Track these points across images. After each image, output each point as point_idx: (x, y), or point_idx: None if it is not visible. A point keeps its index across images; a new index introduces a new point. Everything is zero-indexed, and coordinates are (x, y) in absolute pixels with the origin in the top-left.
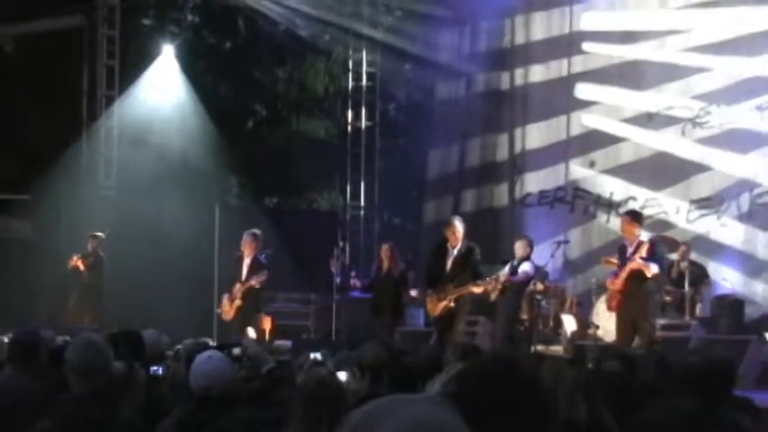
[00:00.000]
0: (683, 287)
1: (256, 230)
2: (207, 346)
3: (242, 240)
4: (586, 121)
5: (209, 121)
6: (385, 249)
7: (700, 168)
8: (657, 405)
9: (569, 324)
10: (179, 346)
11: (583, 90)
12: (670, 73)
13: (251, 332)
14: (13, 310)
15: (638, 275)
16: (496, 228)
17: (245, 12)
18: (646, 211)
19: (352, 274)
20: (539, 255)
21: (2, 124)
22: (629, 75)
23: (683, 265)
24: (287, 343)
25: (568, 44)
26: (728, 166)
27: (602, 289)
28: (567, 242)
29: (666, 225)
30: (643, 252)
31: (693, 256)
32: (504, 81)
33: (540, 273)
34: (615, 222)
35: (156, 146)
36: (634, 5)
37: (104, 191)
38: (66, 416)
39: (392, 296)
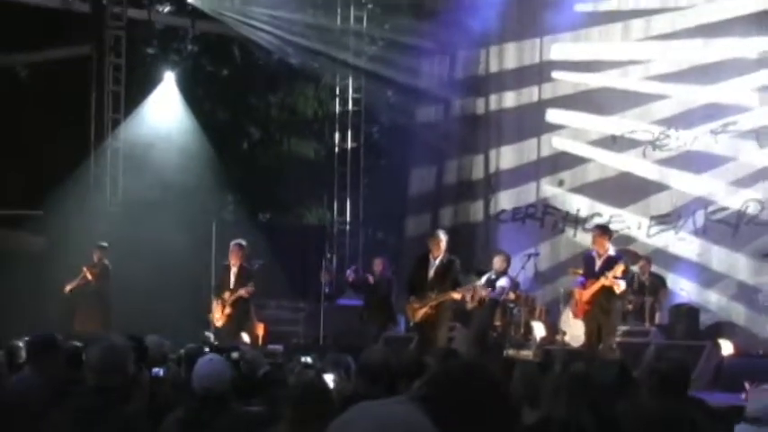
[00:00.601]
0: (644, 296)
1: (242, 241)
2: (206, 351)
3: (229, 250)
4: (555, 143)
5: (208, 142)
6: (377, 263)
7: (659, 187)
8: (622, 405)
9: (539, 330)
10: (181, 350)
11: (552, 115)
12: (632, 99)
13: (245, 337)
14: (28, 317)
15: (608, 290)
16: (472, 241)
17: (241, 42)
18: (610, 227)
19: (352, 268)
20: (511, 266)
21: (17, 145)
22: (595, 101)
23: (644, 276)
24: (279, 347)
25: (539, 72)
26: (685, 185)
27: (569, 297)
28: (537, 255)
29: (629, 239)
30: (618, 272)
31: (653, 267)
32: (480, 106)
33: (512, 283)
34: (582, 237)
35: (158, 165)
36: (599, 37)
37: (111, 207)
38: (79, 406)
39: (384, 305)
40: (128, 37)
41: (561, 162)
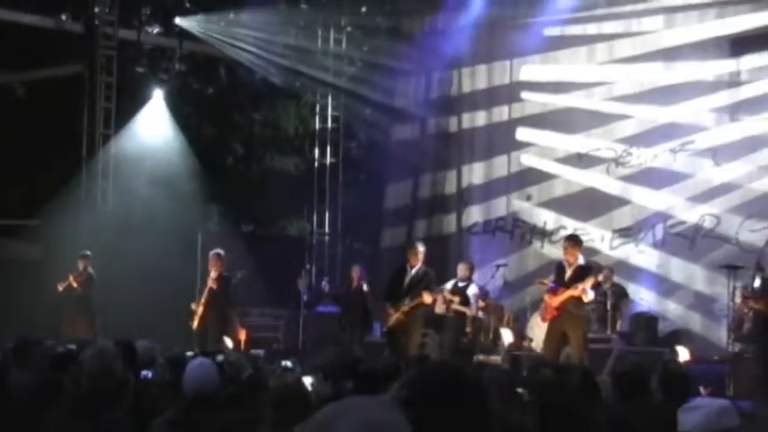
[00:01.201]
0: (606, 305)
1: (220, 251)
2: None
3: (209, 260)
4: (524, 160)
5: (194, 156)
6: (355, 270)
7: (621, 202)
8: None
9: (507, 337)
10: (167, 354)
11: (521, 133)
12: (596, 119)
13: (228, 342)
14: (23, 323)
15: (577, 299)
16: (445, 252)
17: (227, 62)
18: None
19: (325, 279)
20: (481, 276)
21: (14, 159)
22: (562, 120)
23: (606, 286)
24: (260, 352)
25: (509, 93)
26: (646, 200)
27: (536, 305)
28: (505, 265)
29: (592, 251)
30: (588, 285)
31: (615, 278)
32: (453, 124)
33: (482, 292)
34: (548, 249)
35: (146, 178)
36: (565, 60)
37: (101, 217)
38: (74, 409)
39: (361, 311)
40: (118, 56)
41: (530, 178)
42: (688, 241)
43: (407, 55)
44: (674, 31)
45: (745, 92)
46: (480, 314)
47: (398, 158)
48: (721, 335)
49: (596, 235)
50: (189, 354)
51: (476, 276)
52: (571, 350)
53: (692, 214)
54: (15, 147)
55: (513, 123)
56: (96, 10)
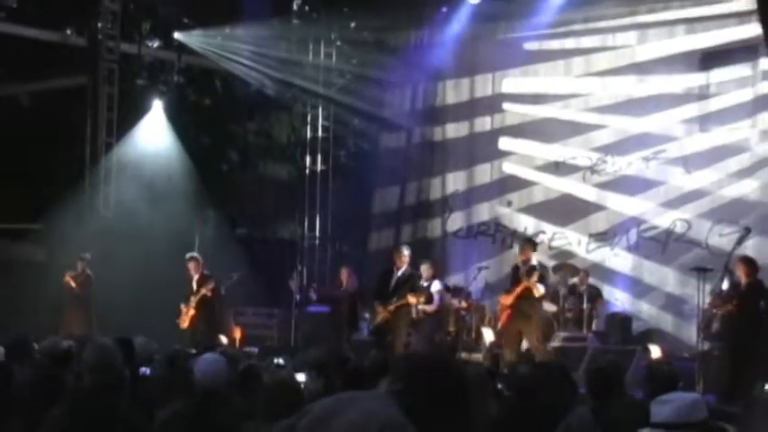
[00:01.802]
0: (582, 305)
1: (196, 254)
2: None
3: (186, 263)
4: (505, 168)
5: (191, 164)
6: (343, 272)
7: (597, 208)
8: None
9: (488, 336)
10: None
11: (502, 142)
12: (573, 129)
13: (224, 339)
14: (27, 322)
15: (527, 295)
16: (429, 256)
17: (222, 74)
18: (553, 243)
19: (313, 286)
20: (464, 278)
21: (20, 165)
22: (541, 130)
23: (582, 287)
24: (254, 349)
25: (490, 104)
26: (620, 206)
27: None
28: (487, 268)
29: (569, 254)
30: (534, 278)
31: (591, 280)
32: (438, 134)
33: (464, 292)
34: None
35: (146, 184)
36: (544, 73)
37: (103, 221)
38: (77, 404)
39: (349, 311)
40: (120, 69)
41: (510, 185)
42: (660, 245)
43: (394, 68)
44: (646, 46)
45: (714, 104)
46: (453, 303)
47: (385, 166)
48: (691, 334)
49: (573, 239)
50: (192, 351)
51: (460, 278)
52: (530, 348)
53: (664, 219)
54: (22, 154)
55: (494, 133)
56: (99, 25)
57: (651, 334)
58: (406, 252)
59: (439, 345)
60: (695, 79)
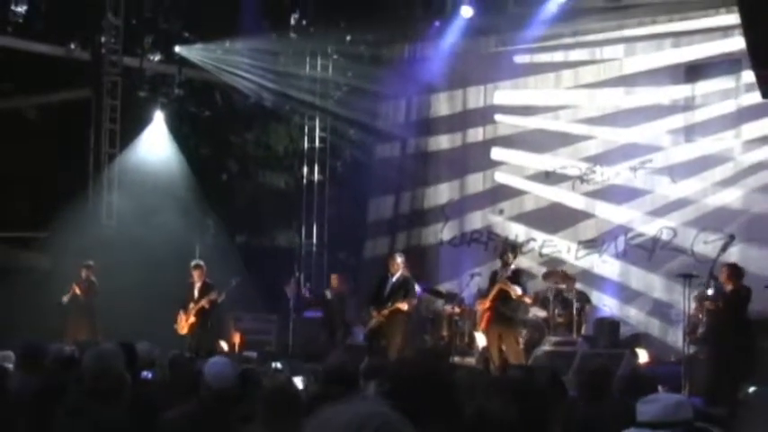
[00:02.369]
0: (572, 311)
1: (200, 261)
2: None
3: (191, 269)
4: (497, 177)
5: (192, 174)
6: (335, 277)
7: (586, 216)
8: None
9: (480, 340)
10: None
11: (494, 152)
12: (563, 140)
13: (224, 345)
14: (32, 328)
15: (504, 296)
16: (423, 263)
17: (222, 87)
18: (543, 250)
19: (306, 286)
20: (458, 284)
21: (26, 175)
22: (531, 141)
23: (571, 293)
24: (253, 354)
25: (482, 115)
26: (608, 214)
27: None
28: (479, 275)
29: (559, 261)
30: (506, 280)
31: (580, 286)
32: (431, 144)
33: (457, 298)
34: (519, 259)
35: (148, 194)
36: (534, 85)
37: (106, 229)
38: (73, 405)
39: (339, 316)
40: (123, 82)
41: (502, 194)
42: (647, 252)
43: (389, 80)
44: (633, 59)
45: (699, 115)
46: (447, 308)
47: (380, 176)
48: (677, 338)
49: (563, 246)
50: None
51: (453, 284)
52: (507, 353)
53: (650, 227)
54: (27, 165)
55: (486, 144)
56: (102, 40)
57: (639, 338)
58: (399, 259)
59: (424, 345)
60: (681, 91)
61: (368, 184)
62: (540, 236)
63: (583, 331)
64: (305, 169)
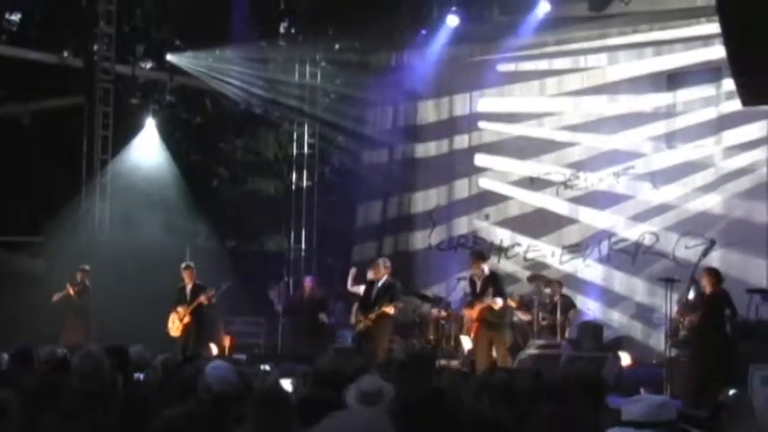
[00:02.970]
0: (556, 314)
1: (191, 263)
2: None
3: (182, 271)
4: (483, 183)
5: (183, 179)
6: (307, 281)
7: (570, 221)
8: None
9: (466, 343)
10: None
11: (480, 159)
12: (547, 146)
13: (214, 348)
14: (27, 330)
15: (490, 308)
16: (410, 267)
17: (212, 94)
18: (528, 255)
19: (281, 299)
20: (444, 288)
21: (21, 181)
22: (516, 147)
23: (556, 297)
24: (243, 357)
25: (468, 122)
26: (592, 219)
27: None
28: (465, 278)
29: (544, 265)
30: (490, 293)
31: (564, 290)
32: (418, 151)
33: (444, 302)
34: (504, 263)
35: (140, 199)
36: (519, 93)
37: (99, 234)
38: (68, 408)
39: (311, 318)
40: (115, 89)
41: (487, 199)
42: (630, 257)
43: (376, 88)
44: (616, 68)
45: (680, 122)
46: (434, 312)
47: (368, 181)
48: (660, 341)
49: (547, 251)
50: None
51: (440, 288)
52: (497, 357)
53: (633, 232)
54: (22, 171)
55: (472, 150)
56: (95, 47)
57: (621, 341)
58: (381, 264)
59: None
60: (662, 99)
61: (356, 189)
62: (524, 240)
63: (567, 334)
64: (294, 175)
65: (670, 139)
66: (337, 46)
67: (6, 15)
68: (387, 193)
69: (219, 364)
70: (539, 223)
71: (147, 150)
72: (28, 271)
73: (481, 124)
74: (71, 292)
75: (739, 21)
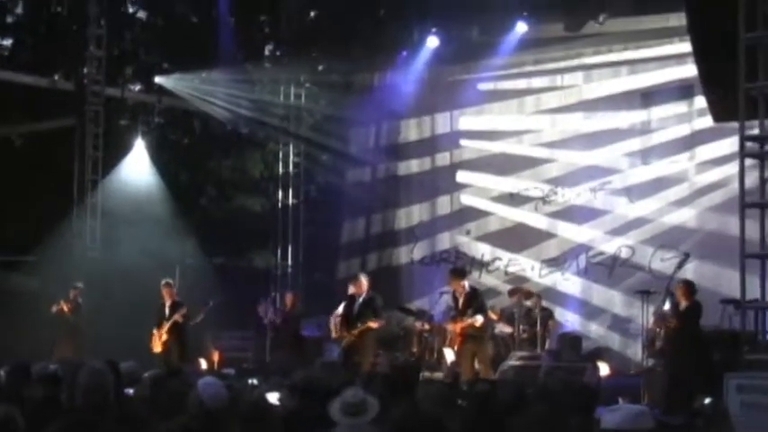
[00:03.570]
0: (536, 326)
1: (170, 280)
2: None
3: (161, 288)
4: (464, 199)
5: (172, 198)
6: (289, 296)
7: (548, 236)
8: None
9: (449, 356)
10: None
11: (461, 176)
12: (526, 163)
13: (203, 363)
14: (21, 347)
15: (472, 325)
16: (394, 282)
17: (200, 115)
18: (508, 269)
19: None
20: (427, 302)
21: (13, 201)
22: (496, 164)
23: (536, 309)
24: (231, 371)
25: (449, 140)
26: (570, 233)
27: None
28: (448, 292)
29: (523, 279)
30: (470, 311)
31: (544, 302)
32: (401, 168)
33: (426, 315)
34: (485, 277)
35: (130, 218)
36: (498, 111)
37: (90, 252)
38: (71, 422)
39: (292, 333)
40: (105, 111)
41: (469, 215)
42: (607, 270)
43: (359, 108)
44: (592, 86)
45: (655, 138)
46: (417, 325)
47: (352, 199)
48: (637, 351)
49: (527, 265)
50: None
51: (423, 301)
52: (479, 368)
53: (610, 246)
54: (15, 191)
55: (453, 167)
56: (85, 70)
57: (600, 352)
58: (363, 280)
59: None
60: (637, 116)
61: (340, 206)
62: (505, 255)
63: (547, 346)
64: (280, 193)
65: (645, 155)
66: (321, 67)
67: None
68: (370, 210)
69: (210, 380)
70: (518, 238)
71: (136, 170)
72: (21, 289)
73: (462, 142)
74: (65, 308)
75: (710, 40)
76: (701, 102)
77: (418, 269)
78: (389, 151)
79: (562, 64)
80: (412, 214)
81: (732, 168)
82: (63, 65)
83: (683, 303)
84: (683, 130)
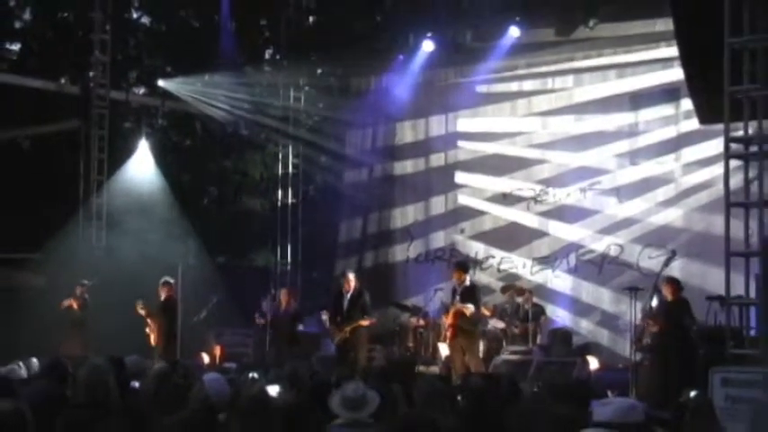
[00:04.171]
0: (528, 322)
1: (169, 278)
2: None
3: (160, 287)
4: (458, 199)
5: (175, 199)
6: (283, 293)
7: (540, 234)
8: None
9: (443, 350)
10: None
11: (456, 176)
12: (518, 164)
13: (205, 357)
14: (28, 343)
15: (462, 314)
16: (390, 279)
17: (202, 117)
18: (501, 266)
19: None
20: (423, 299)
21: (21, 201)
22: (490, 165)
23: (528, 306)
24: (232, 365)
25: (444, 142)
26: (560, 232)
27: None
28: (442, 289)
29: (516, 277)
30: (465, 298)
31: (535, 299)
32: (397, 169)
33: (422, 311)
34: (479, 275)
35: (134, 217)
36: (492, 113)
37: (96, 251)
38: (72, 419)
39: (288, 329)
40: (110, 114)
41: (463, 214)
42: (596, 267)
43: (356, 110)
44: (582, 89)
45: (642, 140)
46: (412, 321)
47: (349, 199)
48: (625, 346)
49: (519, 263)
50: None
51: (419, 298)
52: (468, 361)
53: (599, 244)
54: (23, 192)
55: (448, 168)
56: (91, 75)
57: (589, 347)
58: (351, 277)
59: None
60: (625, 118)
61: (338, 206)
62: (498, 253)
63: (538, 341)
64: (279, 193)
65: (633, 156)
66: (319, 71)
67: (7, 45)
68: (367, 210)
69: (215, 376)
70: (511, 237)
71: (140, 171)
72: (28, 286)
73: (457, 143)
74: (74, 305)
75: (695, 45)
76: (687, 104)
77: (413, 267)
78: (386, 152)
79: (553, 68)
80: (407, 214)
81: (717, 169)
82: (69, 69)
83: (670, 299)
84: (670, 132)
